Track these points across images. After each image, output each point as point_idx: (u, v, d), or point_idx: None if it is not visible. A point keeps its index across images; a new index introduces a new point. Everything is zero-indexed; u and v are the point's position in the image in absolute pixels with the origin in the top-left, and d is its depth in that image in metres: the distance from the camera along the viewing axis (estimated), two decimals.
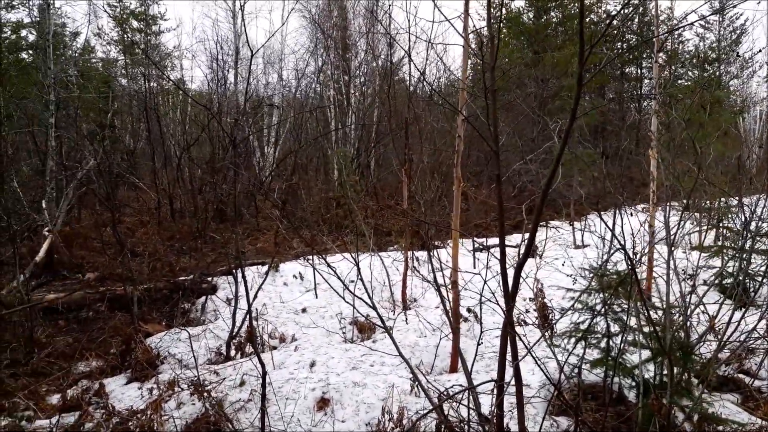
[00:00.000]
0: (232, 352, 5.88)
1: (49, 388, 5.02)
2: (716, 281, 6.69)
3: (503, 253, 3.02)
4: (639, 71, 28.59)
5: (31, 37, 18.84)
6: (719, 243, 8.74)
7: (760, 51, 25.08)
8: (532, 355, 2.82)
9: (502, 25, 25.26)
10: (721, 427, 3.60)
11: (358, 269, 4.51)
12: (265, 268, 8.92)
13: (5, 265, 7.89)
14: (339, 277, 3.54)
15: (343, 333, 6.34)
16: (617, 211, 5.96)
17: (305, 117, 19.56)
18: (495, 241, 11.75)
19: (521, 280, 2.99)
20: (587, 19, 27.47)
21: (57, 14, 17.13)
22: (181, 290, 7.48)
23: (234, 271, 8.20)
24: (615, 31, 29.00)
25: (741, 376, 4.66)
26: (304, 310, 7.28)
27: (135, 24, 24.72)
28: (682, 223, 3.83)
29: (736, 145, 14.10)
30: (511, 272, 2.99)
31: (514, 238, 12.71)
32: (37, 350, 5.53)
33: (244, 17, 21.70)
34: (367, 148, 17.35)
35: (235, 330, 5.90)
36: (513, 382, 3.03)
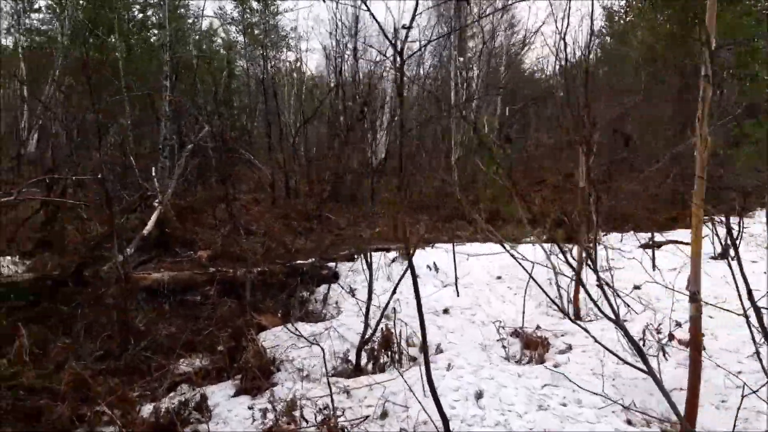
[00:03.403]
0: (363, 361, 4.61)
1: (142, 392, 3.99)
2: None
3: None
4: None
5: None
6: None
7: None
8: None
9: None
10: None
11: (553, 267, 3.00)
12: (391, 255, 7.66)
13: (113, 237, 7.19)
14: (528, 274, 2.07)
15: (504, 347, 4.83)
16: None
17: (423, 97, 18.23)
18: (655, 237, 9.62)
19: None
20: None
21: None
22: (299, 275, 6.36)
23: (359, 257, 7.02)
24: None
25: None
26: (445, 311, 5.86)
27: (254, 5, 24.83)
28: None
29: None
30: None
31: (676, 234, 10.49)
32: (133, 340, 4.55)
33: None
34: (508, 117, 15.58)
35: (368, 333, 4.62)
36: None
